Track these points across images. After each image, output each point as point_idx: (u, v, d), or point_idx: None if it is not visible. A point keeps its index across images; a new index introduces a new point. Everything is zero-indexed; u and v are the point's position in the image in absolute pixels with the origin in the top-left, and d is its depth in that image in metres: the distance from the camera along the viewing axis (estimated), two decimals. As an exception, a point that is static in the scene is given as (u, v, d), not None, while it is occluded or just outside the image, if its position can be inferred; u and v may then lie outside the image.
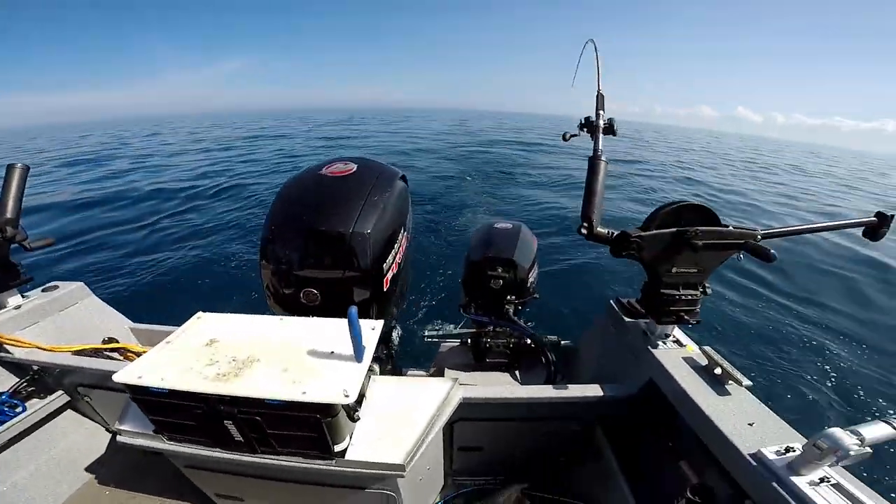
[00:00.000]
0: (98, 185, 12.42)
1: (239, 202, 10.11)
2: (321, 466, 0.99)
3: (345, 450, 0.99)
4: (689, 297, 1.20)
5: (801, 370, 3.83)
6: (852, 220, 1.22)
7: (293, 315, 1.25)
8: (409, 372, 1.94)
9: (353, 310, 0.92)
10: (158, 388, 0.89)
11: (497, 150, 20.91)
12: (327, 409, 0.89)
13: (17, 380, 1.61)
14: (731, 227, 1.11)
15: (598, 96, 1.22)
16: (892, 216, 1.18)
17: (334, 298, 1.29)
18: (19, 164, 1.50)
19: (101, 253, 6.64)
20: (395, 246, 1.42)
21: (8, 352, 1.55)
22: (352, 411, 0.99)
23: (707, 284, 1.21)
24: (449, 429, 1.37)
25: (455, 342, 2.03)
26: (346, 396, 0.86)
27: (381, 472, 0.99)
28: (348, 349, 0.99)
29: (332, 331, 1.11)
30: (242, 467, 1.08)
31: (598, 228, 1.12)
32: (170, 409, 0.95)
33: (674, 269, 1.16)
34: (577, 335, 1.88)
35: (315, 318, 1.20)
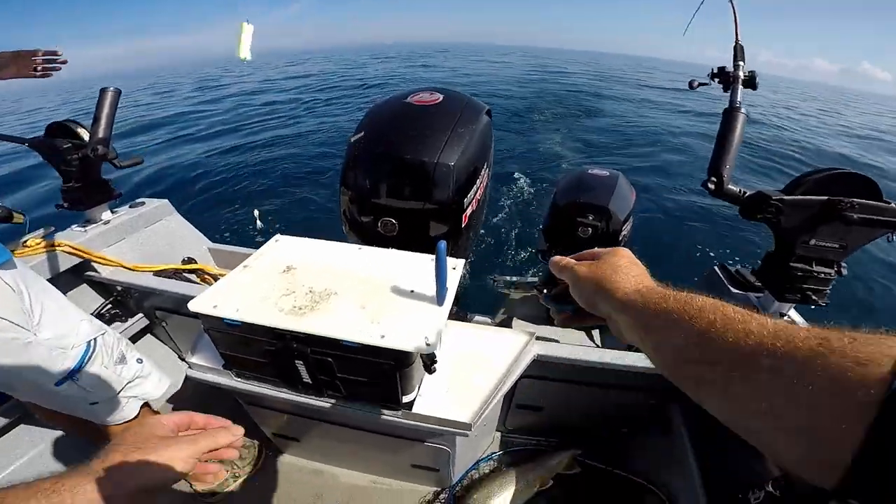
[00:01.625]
0: (187, 112, 13.47)
1: (315, 128, 10.39)
2: (386, 417, 0.95)
3: (412, 401, 0.94)
4: (823, 276, 1.12)
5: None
6: None
7: (368, 244, 1.18)
8: (475, 318, 1.86)
9: (443, 244, 0.79)
10: (232, 321, 0.82)
11: (585, 89, 18.97)
12: (404, 358, 0.82)
13: (102, 300, 1.64)
14: (893, 204, 1.02)
15: (735, 47, 1.20)
16: None
17: (412, 230, 1.25)
18: (111, 88, 1.52)
19: (185, 173, 6.95)
20: (477, 181, 1.32)
21: (95, 270, 1.57)
22: (429, 362, 0.87)
23: (843, 264, 1.12)
24: (512, 384, 1.36)
25: (527, 292, 1.95)
26: (428, 345, 0.78)
27: (445, 428, 0.94)
28: (429, 289, 0.89)
29: (411, 265, 1.03)
30: (305, 410, 1.05)
31: (729, 185, 1.07)
32: (242, 343, 0.90)
33: (812, 242, 1.08)
34: None
35: (393, 250, 1.13)
